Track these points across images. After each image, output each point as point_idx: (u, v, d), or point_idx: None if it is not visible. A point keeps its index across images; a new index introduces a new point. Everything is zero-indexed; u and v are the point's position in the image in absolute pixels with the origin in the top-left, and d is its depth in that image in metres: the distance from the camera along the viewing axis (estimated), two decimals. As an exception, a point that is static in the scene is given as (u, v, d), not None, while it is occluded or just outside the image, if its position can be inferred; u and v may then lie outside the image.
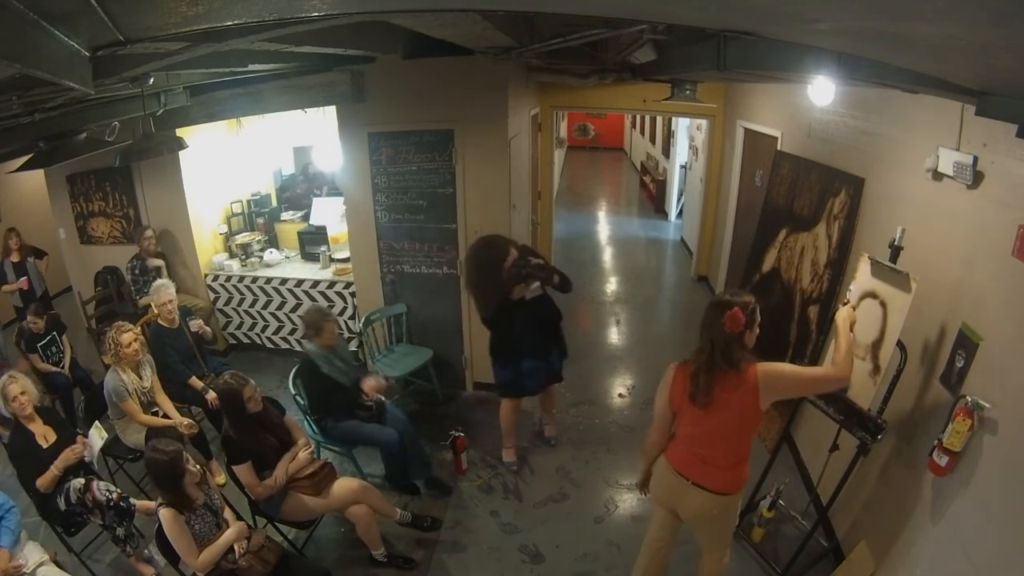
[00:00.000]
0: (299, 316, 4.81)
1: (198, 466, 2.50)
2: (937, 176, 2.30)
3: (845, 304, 2.43)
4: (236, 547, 2.46)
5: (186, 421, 3.44)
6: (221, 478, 3.38)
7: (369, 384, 3.36)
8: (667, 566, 2.54)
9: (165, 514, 2.34)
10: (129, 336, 3.32)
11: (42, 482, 2.76)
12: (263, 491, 2.73)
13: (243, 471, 2.69)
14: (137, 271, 4.69)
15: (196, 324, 4.00)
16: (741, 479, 2.24)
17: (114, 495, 2.84)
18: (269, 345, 5.22)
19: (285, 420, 2.97)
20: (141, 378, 3.43)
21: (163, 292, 3.77)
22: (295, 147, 6.24)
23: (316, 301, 4.91)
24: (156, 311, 3.81)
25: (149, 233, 4.69)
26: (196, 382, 3.73)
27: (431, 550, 3.11)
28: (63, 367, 4.18)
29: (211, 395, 3.66)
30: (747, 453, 2.22)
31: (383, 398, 3.47)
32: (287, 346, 5.16)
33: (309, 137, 5.91)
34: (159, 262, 4.73)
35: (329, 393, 3.30)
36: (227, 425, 2.74)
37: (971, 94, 1.52)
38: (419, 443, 3.50)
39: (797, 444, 3.67)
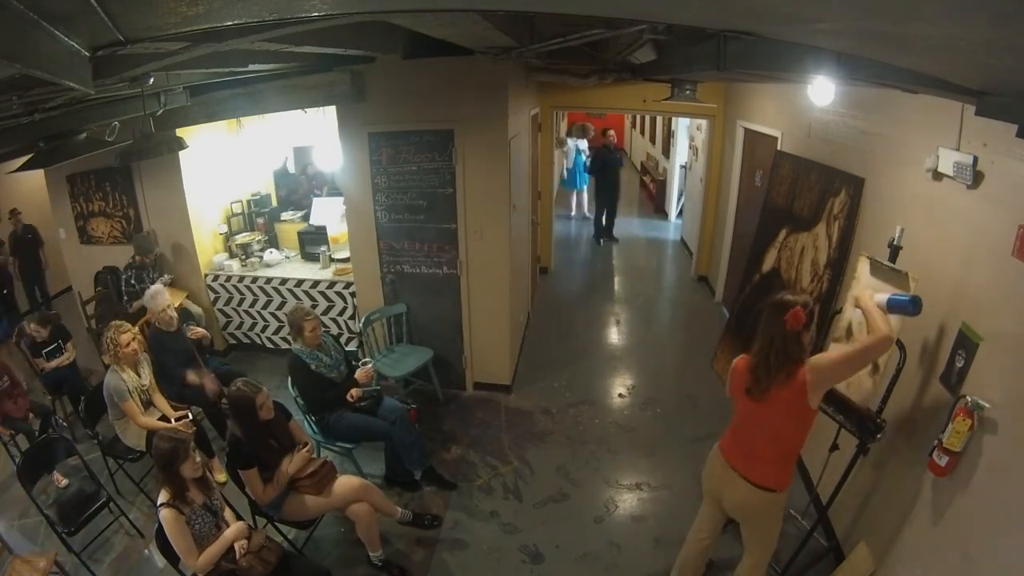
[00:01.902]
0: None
1: (200, 463, 2.50)
2: (937, 176, 2.30)
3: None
4: (236, 547, 2.46)
5: (181, 425, 3.43)
6: (222, 476, 3.38)
7: (360, 374, 3.45)
8: (707, 557, 2.69)
9: (165, 514, 2.34)
10: (128, 336, 3.34)
11: None
12: (268, 496, 2.73)
13: (250, 476, 2.69)
14: (132, 280, 4.66)
15: (198, 332, 4.00)
16: (784, 478, 2.26)
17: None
18: (269, 345, 5.22)
19: (291, 425, 2.97)
20: (140, 376, 3.43)
21: (159, 299, 3.76)
22: (295, 147, 6.22)
23: (316, 301, 4.92)
24: (154, 317, 3.81)
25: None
26: (193, 377, 3.72)
27: (431, 550, 3.11)
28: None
29: (208, 383, 3.66)
30: (794, 451, 2.25)
31: (379, 388, 3.56)
32: (287, 346, 5.14)
33: (309, 137, 5.91)
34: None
35: (322, 390, 3.35)
36: (234, 428, 2.74)
37: (971, 94, 1.52)
38: (415, 432, 3.53)
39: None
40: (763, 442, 2.24)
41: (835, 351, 2.15)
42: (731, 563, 2.67)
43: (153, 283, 4.46)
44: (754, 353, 2.20)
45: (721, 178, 6.23)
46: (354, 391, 3.38)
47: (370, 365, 3.54)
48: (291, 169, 6.21)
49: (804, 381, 2.04)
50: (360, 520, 2.86)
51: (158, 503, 2.39)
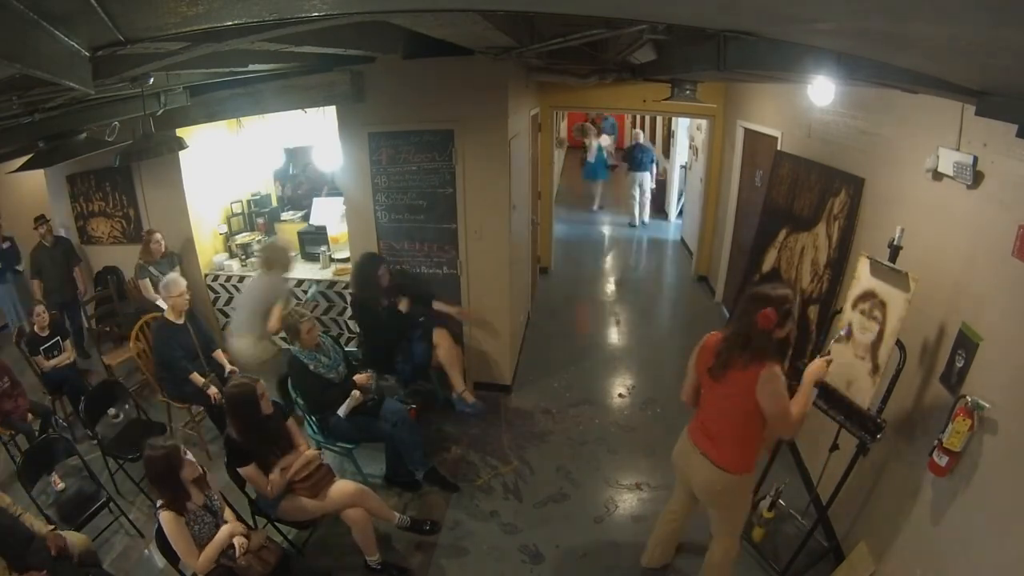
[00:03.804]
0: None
1: (198, 465, 2.50)
2: (937, 176, 2.30)
3: (825, 356, 2.40)
4: (237, 546, 2.46)
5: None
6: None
7: (359, 378, 3.48)
8: (678, 536, 2.83)
9: (165, 516, 2.34)
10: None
11: None
12: (275, 488, 2.73)
13: (249, 473, 2.70)
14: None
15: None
16: (744, 461, 2.30)
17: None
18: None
19: (287, 425, 2.97)
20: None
21: (175, 285, 3.77)
22: (286, 148, 6.18)
23: (316, 301, 4.91)
24: (169, 303, 3.81)
25: (158, 237, 4.60)
26: (197, 378, 3.72)
27: (431, 550, 3.11)
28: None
29: (213, 390, 3.65)
30: (751, 437, 2.27)
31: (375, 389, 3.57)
32: (287, 346, 5.14)
33: (308, 137, 5.89)
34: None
35: (322, 390, 3.35)
36: (230, 429, 2.74)
37: (971, 94, 1.52)
38: (417, 434, 3.53)
39: (797, 444, 3.67)
40: (721, 423, 2.31)
41: (779, 390, 2.11)
42: (699, 546, 2.78)
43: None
44: (724, 337, 2.26)
45: (721, 178, 6.23)
46: (361, 381, 3.45)
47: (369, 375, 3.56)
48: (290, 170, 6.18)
49: (756, 378, 2.11)
50: (355, 525, 2.85)
51: (158, 504, 2.39)
